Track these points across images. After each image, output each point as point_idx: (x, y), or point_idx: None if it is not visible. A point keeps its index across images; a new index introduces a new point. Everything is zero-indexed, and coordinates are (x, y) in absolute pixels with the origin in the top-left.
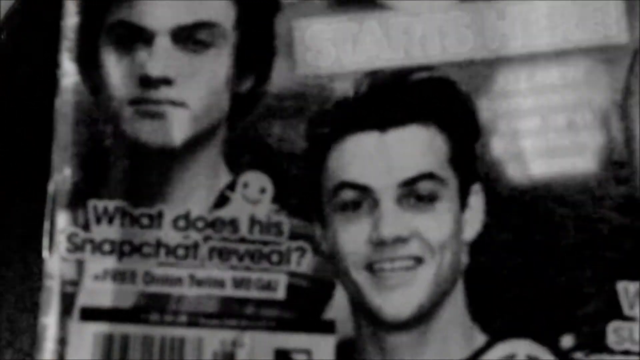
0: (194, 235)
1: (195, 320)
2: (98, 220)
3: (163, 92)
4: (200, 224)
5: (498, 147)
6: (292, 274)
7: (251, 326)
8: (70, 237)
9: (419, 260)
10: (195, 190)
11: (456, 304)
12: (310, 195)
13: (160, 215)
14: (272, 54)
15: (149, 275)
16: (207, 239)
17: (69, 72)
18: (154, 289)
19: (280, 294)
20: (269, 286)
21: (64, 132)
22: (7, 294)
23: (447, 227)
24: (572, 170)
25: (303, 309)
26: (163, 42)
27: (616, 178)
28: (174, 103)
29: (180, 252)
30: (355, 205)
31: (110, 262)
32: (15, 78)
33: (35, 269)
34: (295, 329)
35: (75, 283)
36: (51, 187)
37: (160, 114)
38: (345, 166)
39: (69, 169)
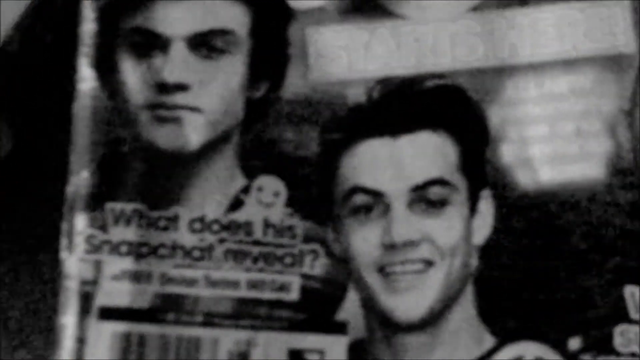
0: (210, 238)
1: (210, 320)
2: (115, 222)
3: (179, 98)
4: (215, 227)
5: (507, 153)
6: (305, 276)
7: (265, 326)
8: (88, 239)
9: (429, 264)
10: (210, 194)
11: (466, 306)
12: (323, 199)
13: (176, 217)
14: (285, 60)
15: (165, 276)
16: (222, 241)
17: (86, 77)
18: (171, 289)
19: (293, 295)
20: (282, 288)
21: (81, 136)
22: (19, 295)
23: (457, 231)
24: (579, 177)
25: (316, 310)
26: (179, 49)
27: (623, 184)
28: (189, 108)
29: (196, 253)
30: (367, 209)
31: (127, 263)
32: (34, 83)
33: (47, 271)
34: (308, 329)
35: (94, 283)
36: (69, 190)
37: (176, 119)
38: (357, 171)
39: (86, 172)
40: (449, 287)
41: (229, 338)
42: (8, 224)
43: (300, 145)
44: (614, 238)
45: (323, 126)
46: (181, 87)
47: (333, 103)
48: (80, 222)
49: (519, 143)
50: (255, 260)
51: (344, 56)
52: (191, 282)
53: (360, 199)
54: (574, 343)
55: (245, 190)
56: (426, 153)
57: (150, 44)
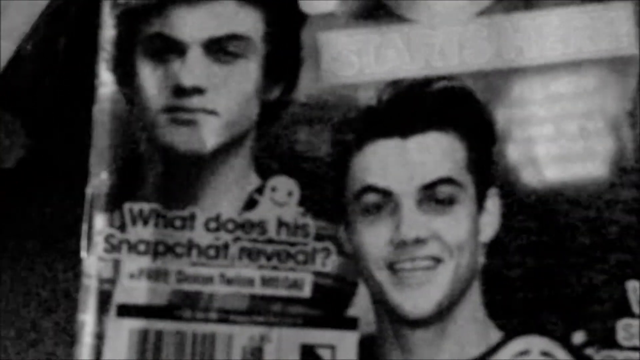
0: (225, 237)
1: (225, 316)
2: (134, 222)
3: (195, 101)
4: (230, 226)
5: (513, 153)
6: (317, 274)
7: (278, 322)
8: (107, 238)
9: (437, 260)
10: (225, 194)
11: (473, 302)
12: (334, 199)
13: (192, 217)
14: (298, 64)
15: (181, 274)
16: (236, 239)
17: (106, 81)
18: (187, 287)
19: (306, 292)
20: (295, 285)
21: (101, 138)
22: (33, 295)
23: (465, 229)
24: (584, 175)
25: (328, 306)
26: (196, 54)
27: (626, 183)
28: (205, 111)
29: (212, 252)
30: (377, 208)
31: (145, 262)
32: (56, 88)
33: (62, 271)
34: (320, 325)
35: (112, 281)
36: (89, 191)
37: (192, 121)
38: (368, 171)
39: (106, 174)
40: (457, 283)
41: (243, 334)
42: (26, 225)
43: (313, 146)
44: (617, 234)
45: (335, 127)
46: (197, 91)
47: (344, 105)
48: (100, 221)
49: (525, 142)
50: (269, 258)
51: (355, 59)
52: (207, 280)
53: (370, 198)
54: (578, 337)
55: (260, 190)
56: (435, 153)
57: (168, 49)
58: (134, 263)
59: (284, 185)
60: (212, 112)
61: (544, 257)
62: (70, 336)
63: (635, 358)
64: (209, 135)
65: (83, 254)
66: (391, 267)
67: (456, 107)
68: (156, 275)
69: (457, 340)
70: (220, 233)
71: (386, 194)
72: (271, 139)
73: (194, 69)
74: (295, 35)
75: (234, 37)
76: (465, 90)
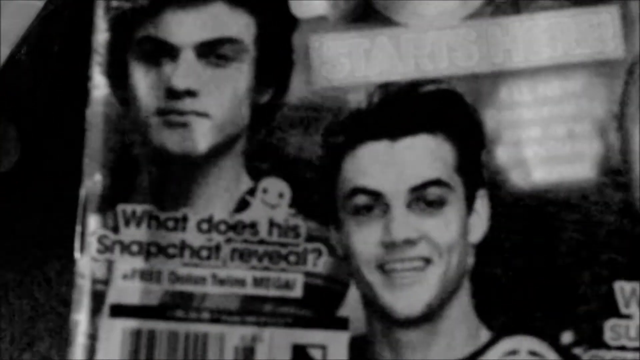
0: (217, 238)
1: (217, 317)
2: (127, 223)
3: (187, 103)
4: (222, 227)
5: (502, 155)
6: (308, 274)
7: (270, 322)
8: (100, 239)
9: (427, 261)
10: (217, 196)
11: (463, 302)
12: (325, 200)
13: (185, 218)
14: (289, 67)
15: (174, 274)
16: (228, 241)
17: (99, 84)
18: (179, 287)
19: (297, 292)
20: (286, 285)
21: (94, 140)
22: (26, 298)
23: (454, 230)
24: (571, 177)
25: (319, 306)
26: (188, 57)
27: (613, 184)
28: (197, 113)
29: (204, 253)
30: (367, 210)
31: (138, 263)
32: (49, 91)
33: (53, 274)
34: (311, 325)
35: (105, 282)
36: (82, 192)
37: (185, 123)
38: (358, 173)
39: (99, 175)
40: (447, 284)
41: (235, 334)
42: (20, 227)
43: (304, 148)
44: (605, 235)
45: (325, 130)
46: (190, 93)
47: (335, 108)
48: (93, 222)
49: (513, 145)
50: (261, 259)
51: (345, 62)
52: (199, 280)
53: (361, 199)
54: (567, 337)
55: (251, 191)
56: (424, 155)
57: (160, 52)
58: (127, 264)
59: (275, 187)
60: (204, 115)
61: (533, 258)
62: (64, 339)
63: (622, 358)
64: (201, 137)
65: (76, 254)
66: (381, 267)
67: (445, 109)
68: (149, 276)
69: (446, 340)
70: (213, 234)
71: (376, 195)
72: (263, 141)
73: (186, 71)
74: (286, 38)
75: (225, 41)
76: (454, 93)
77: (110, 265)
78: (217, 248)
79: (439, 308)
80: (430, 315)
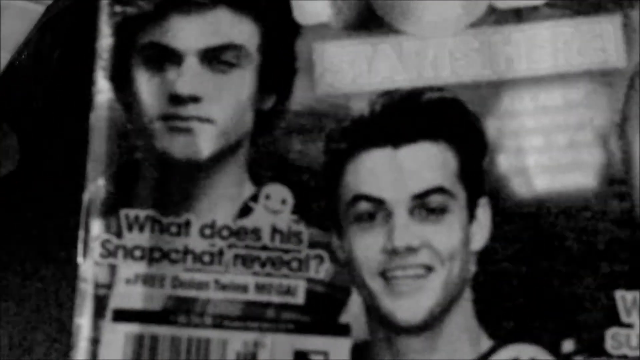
0: (219, 243)
1: (219, 322)
2: (130, 228)
3: (191, 109)
4: (225, 233)
5: (504, 163)
6: (310, 280)
7: (272, 328)
8: (103, 244)
9: (429, 269)
10: (220, 201)
11: (464, 309)
12: (328, 207)
13: (187, 224)
14: (293, 74)
15: (177, 279)
16: (231, 246)
17: (103, 89)
18: (182, 292)
19: (299, 298)
20: (288, 291)
21: (98, 145)
22: (24, 302)
23: (456, 237)
24: (573, 186)
25: (321, 313)
26: (191, 63)
27: (614, 194)
28: (201, 119)
29: (206, 258)
30: (370, 217)
31: (140, 267)
32: (54, 95)
33: (52, 279)
34: (313, 331)
35: (108, 286)
36: (86, 197)
37: (188, 129)
38: (360, 180)
39: (102, 180)
40: (448, 291)
41: (237, 339)
42: (18, 232)
43: (307, 154)
44: (606, 244)
45: (328, 137)
46: (193, 99)
47: (337, 115)
48: (96, 227)
49: (515, 153)
50: (263, 264)
51: (348, 70)
52: (202, 286)
53: (363, 206)
54: (568, 345)
55: (254, 197)
56: (426, 163)
57: (164, 58)
58: (129, 268)
59: (278, 193)
60: (207, 120)
61: (534, 266)
62: (63, 344)
63: None
64: (205, 143)
65: (79, 259)
66: (383, 274)
67: (447, 117)
68: (152, 281)
69: (448, 347)
70: (215, 240)
71: (379, 202)
72: (265, 147)
73: (189, 77)
74: (289, 45)
75: (229, 47)
76: (457, 101)
77: (113, 269)
78: (220, 253)
79: (441, 315)
80: (432, 323)
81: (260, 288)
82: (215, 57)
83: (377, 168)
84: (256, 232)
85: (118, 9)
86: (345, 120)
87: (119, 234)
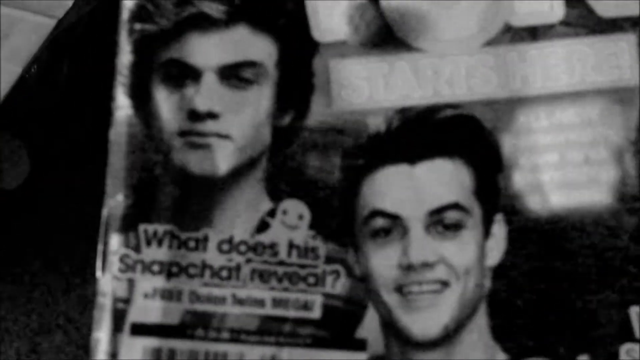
0: (237, 258)
1: (237, 336)
2: (148, 243)
3: (209, 125)
4: (242, 248)
5: (519, 180)
6: (327, 295)
7: (289, 343)
8: (122, 258)
9: (445, 284)
10: (238, 217)
11: (479, 325)
12: (344, 222)
13: (205, 239)
14: (310, 91)
15: (194, 294)
16: (248, 261)
17: (122, 105)
18: (199, 307)
19: (316, 313)
20: (305, 306)
21: (117, 160)
22: (32, 316)
23: (472, 253)
24: (588, 203)
25: (337, 327)
26: (210, 79)
27: (629, 210)
28: (219, 135)
29: (224, 273)
30: (386, 232)
31: (159, 282)
32: (74, 111)
33: (59, 294)
34: (329, 346)
35: (127, 301)
36: (105, 212)
37: (206, 145)
38: (377, 196)
39: (121, 195)
40: (464, 307)
41: (254, 353)
42: (27, 246)
43: (323, 171)
44: (621, 261)
45: (345, 153)
46: (211, 116)
47: (354, 131)
48: (115, 242)
49: (530, 170)
50: (280, 279)
51: (365, 87)
52: (219, 300)
53: (379, 222)
54: None
55: (271, 213)
56: (442, 179)
57: (183, 75)
58: (148, 283)
59: (295, 209)
60: (225, 137)
61: (549, 282)
62: (70, 355)
63: None
64: (223, 159)
65: (98, 273)
66: (399, 290)
67: (463, 134)
68: (170, 295)
69: None
70: (233, 255)
71: (395, 218)
72: (283, 163)
73: (208, 94)
74: (307, 62)
75: (247, 64)
76: (472, 118)
77: (131, 284)
78: (237, 268)
79: (456, 331)
80: (447, 338)
81: (277, 303)
82: (234, 74)
83: (394, 184)
84: (273, 247)
85: (137, 26)
86: (362, 136)
87: (137, 249)
